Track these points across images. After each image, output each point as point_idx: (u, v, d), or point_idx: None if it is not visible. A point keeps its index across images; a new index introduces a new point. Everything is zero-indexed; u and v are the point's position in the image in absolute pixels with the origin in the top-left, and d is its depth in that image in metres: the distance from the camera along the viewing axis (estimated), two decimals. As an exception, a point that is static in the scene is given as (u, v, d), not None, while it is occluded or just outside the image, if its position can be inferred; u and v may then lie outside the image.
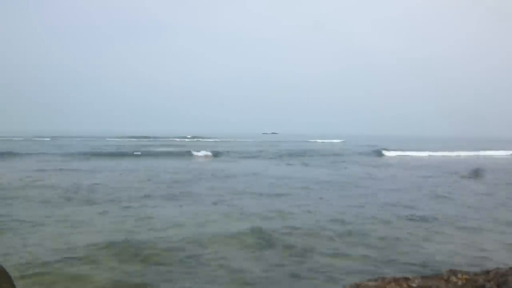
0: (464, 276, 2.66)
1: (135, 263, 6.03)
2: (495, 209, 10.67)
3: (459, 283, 2.60)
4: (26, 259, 6.09)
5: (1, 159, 24.93)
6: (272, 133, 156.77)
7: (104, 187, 13.56)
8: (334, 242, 7.32)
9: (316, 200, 11.75)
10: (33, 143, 45.38)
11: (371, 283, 2.67)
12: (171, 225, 8.41)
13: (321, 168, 22.39)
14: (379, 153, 35.59)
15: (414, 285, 2.60)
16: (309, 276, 5.65)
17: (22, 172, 17.55)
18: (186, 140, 67.35)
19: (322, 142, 69.48)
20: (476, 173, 18.47)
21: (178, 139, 65.75)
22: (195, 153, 31.11)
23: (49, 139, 56.52)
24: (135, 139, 61.26)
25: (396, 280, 2.66)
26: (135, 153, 31.20)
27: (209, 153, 31.43)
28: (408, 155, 35.66)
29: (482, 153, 38.49)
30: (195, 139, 69.07)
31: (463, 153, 37.87)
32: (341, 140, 74.83)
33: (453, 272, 2.71)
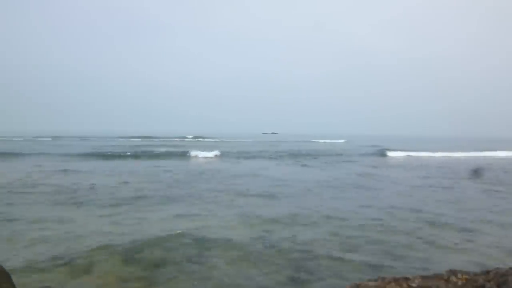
0: (464, 276, 2.65)
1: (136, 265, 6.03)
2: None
3: (459, 283, 2.60)
4: (23, 259, 6.10)
5: (1, 160, 24.94)
6: (272, 133, 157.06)
7: (110, 189, 13.54)
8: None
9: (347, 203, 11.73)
10: (33, 143, 45.38)
11: (371, 283, 2.67)
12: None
13: (333, 169, 22.06)
14: (383, 153, 35.67)
15: (414, 285, 2.60)
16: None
17: (16, 173, 17.57)
18: (187, 140, 67.52)
19: (325, 142, 69.54)
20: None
21: (178, 139, 65.80)
22: (200, 153, 31.11)
23: (50, 139, 56.60)
24: (134, 139, 61.27)
25: (396, 280, 2.66)
26: (134, 153, 31.20)
27: (217, 153, 31.45)
28: (420, 156, 35.54)
29: (489, 154, 37.70)
30: (196, 139, 69.23)
31: (468, 154, 37.34)
32: (344, 140, 74.97)
33: (453, 272, 2.71)
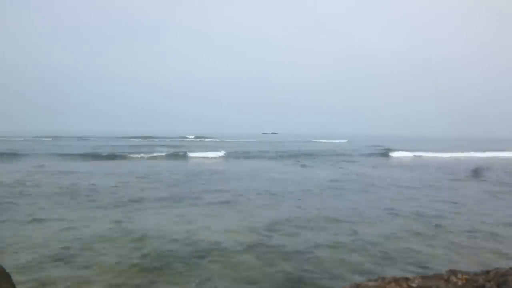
0: (464, 276, 2.65)
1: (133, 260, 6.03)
2: None
3: (459, 283, 2.60)
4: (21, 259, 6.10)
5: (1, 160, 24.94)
6: (272, 133, 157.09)
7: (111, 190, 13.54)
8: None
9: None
10: (33, 143, 45.36)
11: (371, 283, 2.67)
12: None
13: (339, 169, 22.02)
14: (386, 154, 35.68)
15: (414, 285, 2.60)
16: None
17: (10, 174, 17.59)
18: (188, 140, 67.65)
19: (326, 142, 69.63)
20: None
21: (179, 139, 65.85)
22: (205, 154, 31.16)
23: (50, 139, 56.59)
24: (134, 139, 61.26)
25: (396, 280, 2.65)
26: (136, 155, 31.15)
27: (222, 154, 31.47)
28: (428, 156, 35.42)
29: (493, 154, 37.29)
30: (198, 140, 69.49)
31: (471, 155, 37.08)
32: (346, 141, 75.09)
33: (453, 272, 2.71)
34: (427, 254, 6.62)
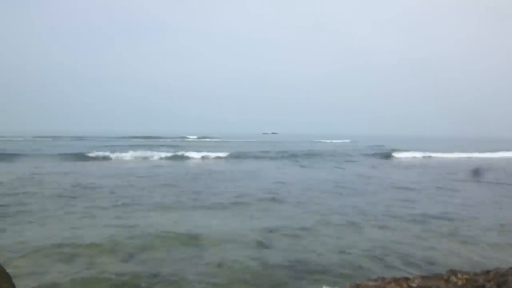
0: (464, 276, 2.65)
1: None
2: None
3: (459, 283, 2.60)
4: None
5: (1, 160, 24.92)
6: (272, 133, 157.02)
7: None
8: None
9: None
10: (33, 143, 45.33)
11: (371, 283, 2.67)
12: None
13: (349, 170, 21.92)
14: (388, 155, 35.56)
15: (414, 285, 2.60)
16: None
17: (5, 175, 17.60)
18: (189, 140, 67.70)
19: (329, 142, 69.64)
20: None
21: (179, 139, 65.83)
22: (205, 154, 31.13)
23: (50, 139, 56.55)
24: (135, 139, 61.23)
25: (396, 280, 2.66)
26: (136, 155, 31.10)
27: (227, 154, 31.45)
28: (437, 157, 35.20)
29: (499, 154, 36.93)
30: (200, 139, 69.61)
31: (472, 155, 36.74)
32: (349, 141, 75.17)
33: (453, 272, 2.71)
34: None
